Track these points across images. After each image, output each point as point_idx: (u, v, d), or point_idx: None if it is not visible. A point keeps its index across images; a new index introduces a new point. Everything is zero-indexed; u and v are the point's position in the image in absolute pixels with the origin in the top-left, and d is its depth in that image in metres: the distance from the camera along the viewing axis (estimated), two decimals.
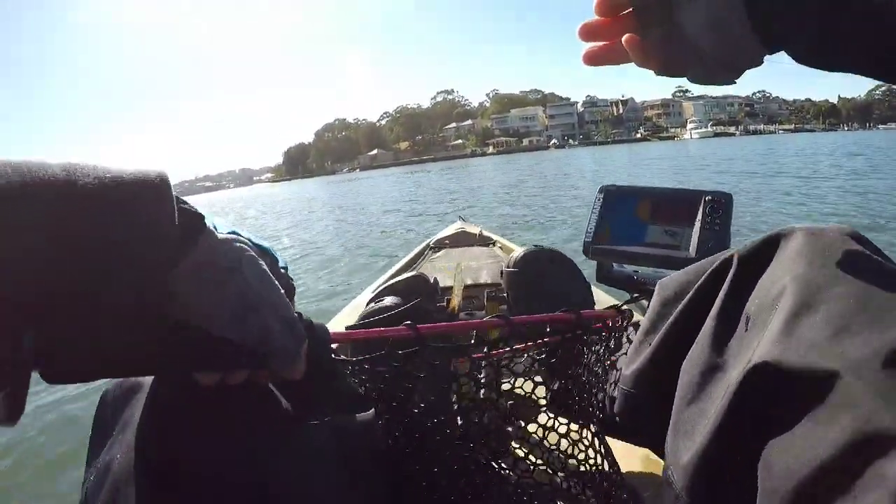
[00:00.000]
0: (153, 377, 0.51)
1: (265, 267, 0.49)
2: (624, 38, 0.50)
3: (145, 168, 0.41)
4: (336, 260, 7.95)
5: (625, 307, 0.83)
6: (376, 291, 1.17)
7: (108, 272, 0.37)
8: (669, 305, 0.63)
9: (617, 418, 0.70)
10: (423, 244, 3.22)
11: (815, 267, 0.46)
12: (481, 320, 0.70)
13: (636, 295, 1.66)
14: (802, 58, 0.44)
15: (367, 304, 1.13)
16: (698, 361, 0.51)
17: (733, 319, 0.51)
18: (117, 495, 0.45)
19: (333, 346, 0.60)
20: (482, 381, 0.73)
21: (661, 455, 0.55)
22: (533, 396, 0.74)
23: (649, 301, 1.65)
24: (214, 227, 0.47)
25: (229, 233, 0.49)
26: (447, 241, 3.21)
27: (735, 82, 0.51)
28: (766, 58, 0.47)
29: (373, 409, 0.68)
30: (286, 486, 0.50)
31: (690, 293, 0.58)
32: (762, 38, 0.44)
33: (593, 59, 0.54)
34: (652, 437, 0.60)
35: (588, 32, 0.53)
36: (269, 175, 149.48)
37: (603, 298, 1.78)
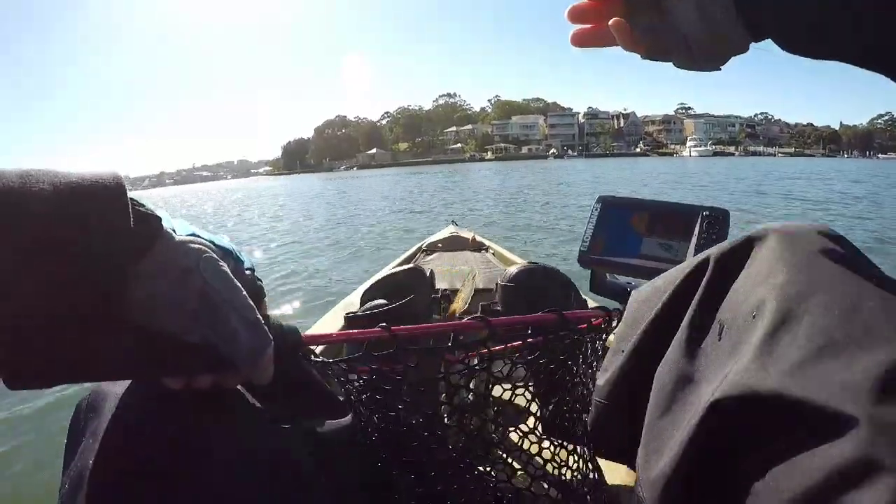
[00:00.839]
0: (126, 382, 0.50)
1: (226, 268, 0.49)
2: (611, 22, 0.51)
3: (100, 171, 0.42)
4: (329, 258, 7.94)
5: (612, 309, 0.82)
6: (371, 284, 1.16)
7: (64, 276, 0.38)
8: (643, 313, 0.61)
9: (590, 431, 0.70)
10: (416, 247, 3.22)
11: (792, 274, 0.45)
12: (459, 321, 0.68)
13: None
14: (787, 46, 0.45)
15: (362, 299, 1.12)
16: (671, 370, 0.51)
17: (706, 327, 0.50)
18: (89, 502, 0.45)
19: (317, 348, 0.59)
20: (464, 383, 0.72)
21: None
22: (516, 402, 0.73)
23: None
24: (173, 230, 0.47)
25: (189, 234, 0.49)
26: (440, 245, 3.20)
27: (720, 69, 0.51)
28: (753, 45, 0.48)
29: (350, 415, 0.68)
30: (249, 492, 0.49)
31: (664, 299, 0.58)
32: (748, 26, 0.45)
33: (580, 41, 0.55)
34: (623, 451, 0.60)
35: (576, 14, 0.54)
36: (267, 168, 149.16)
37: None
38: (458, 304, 0.78)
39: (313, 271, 6.90)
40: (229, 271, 0.48)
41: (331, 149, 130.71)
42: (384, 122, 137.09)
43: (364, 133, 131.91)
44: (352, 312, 1.02)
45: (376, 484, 0.69)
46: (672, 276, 0.59)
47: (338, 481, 0.59)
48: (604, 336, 0.78)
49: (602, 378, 0.65)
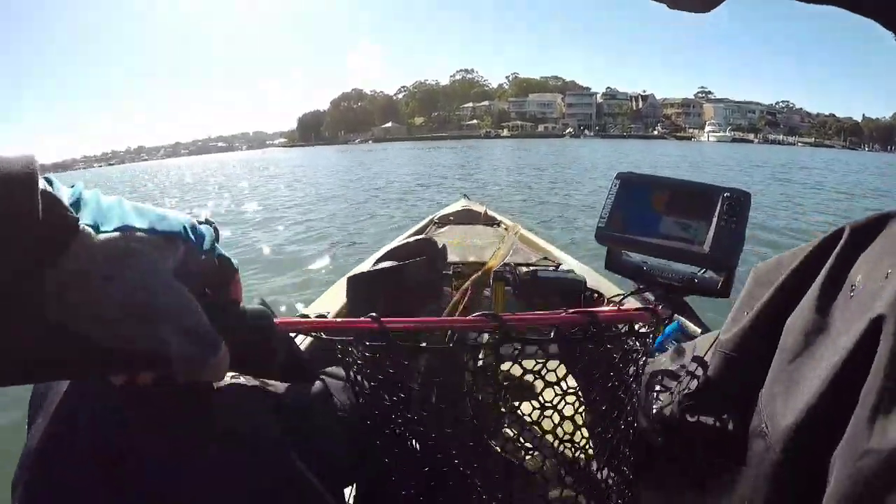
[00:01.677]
0: None
1: (163, 267, 0.43)
2: None
3: (11, 157, 0.37)
4: (340, 230, 7.94)
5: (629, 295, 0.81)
6: (383, 254, 1.14)
7: None
8: (763, 283, 0.66)
9: (710, 383, 0.71)
10: (427, 219, 3.19)
11: None
12: (463, 318, 0.63)
13: (642, 286, 1.65)
14: None
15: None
16: (803, 322, 0.55)
17: (839, 285, 0.54)
18: (34, 479, 0.44)
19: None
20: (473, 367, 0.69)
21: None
22: (529, 380, 0.70)
23: (655, 294, 1.63)
24: (98, 226, 0.40)
25: (121, 227, 0.42)
26: (451, 218, 3.18)
27: (708, 10, 0.53)
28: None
29: (321, 383, 0.66)
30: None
31: (794, 264, 0.62)
32: None
33: None
34: (741, 399, 0.63)
35: None
36: (282, 140, 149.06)
37: (606, 286, 1.75)
38: (496, 261, 0.74)
39: (318, 247, 6.90)
40: (168, 268, 0.44)
41: (346, 121, 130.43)
42: (400, 96, 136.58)
43: (380, 106, 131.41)
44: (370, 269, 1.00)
45: (359, 455, 0.67)
46: (802, 247, 0.63)
47: (309, 449, 0.58)
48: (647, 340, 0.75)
49: (727, 334, 0.69)
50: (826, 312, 0.53)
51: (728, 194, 1.41)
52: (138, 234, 0.42)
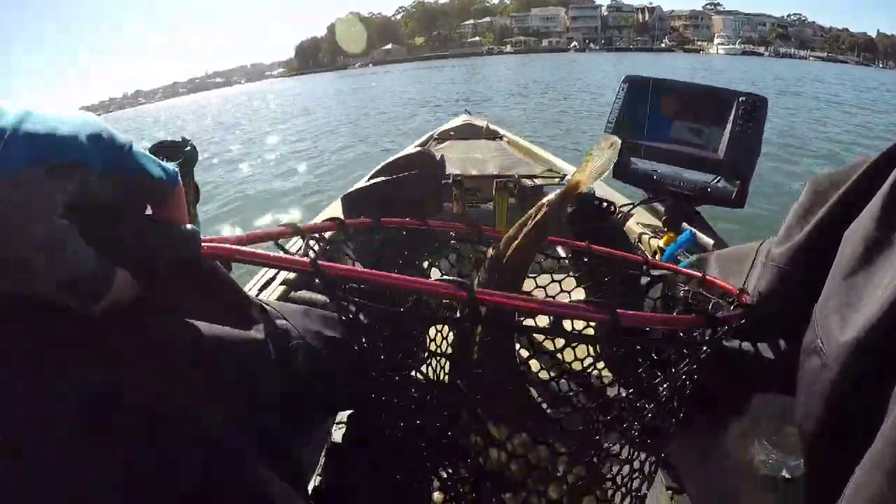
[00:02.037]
0: None
1: (35, 214, 0.36)
2: None
3: None
4: (340, 150, 7.85)
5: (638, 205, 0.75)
6: (377, 168, 1.09)
7: None
8: (822, 194, 0.63)
9: (760, 298, 0.68)
10: (427, 135, 3.11)
11: None
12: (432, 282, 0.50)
13: (652, 195, 1.59)
14: None
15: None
16: (864, 235, 0.52)
17: None
18: None
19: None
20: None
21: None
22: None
23: (665, 204, 1.56)
24: None
25: None
26: (452, 133, 3.11)
27: None
28: None
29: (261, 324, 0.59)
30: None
31: (854, 176, 0.59)
32: None
33: None
34: (795, 315, 0.59)
35: None
36: (281, 70, 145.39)
37: (614, 197, 1.68)
38: (584, 177, 0.65)
39: (315, 166, 6.83)
40: (48, 209, 0.36)
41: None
42: (398, 16, 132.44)
43: (378, 29, 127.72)
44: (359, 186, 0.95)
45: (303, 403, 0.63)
46: (864, 159, 0.60)
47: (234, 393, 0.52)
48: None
49: (781, 248, 0.67)
50: (889, 225, 0.50)
51: (744, 98, 1.35)
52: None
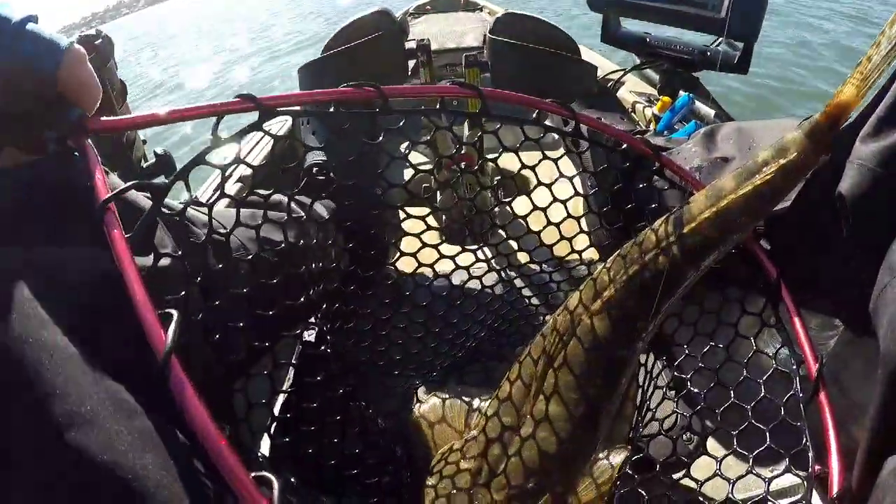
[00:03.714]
0: None
1: None
2: None
3: None
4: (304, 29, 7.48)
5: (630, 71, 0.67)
6: (331, 38, 0.97)
7: None
8: None
9: (845, 201, 0.55)
10: (402, 11, 2.91)
11: None
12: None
13: (645, 61, 1.46)
14: None
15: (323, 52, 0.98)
16: None
17: None
18: None
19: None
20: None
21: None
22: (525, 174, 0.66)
23: (659, 70, 1.44)
24: None
25: None
26: (429, 7, 2.92)
27: None
28: None
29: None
30: None
31: None
32: None
33: None
34: (879, 226, 0.51)
35: None
36: None
37: (603, 64, 1.55)
38: (853, 94, 0.53)
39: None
40: None
41: None
42: None
43: None
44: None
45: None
46: None
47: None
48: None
49: (870, 144, 0.54)
50: None
51: None
52: None
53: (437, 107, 0.54)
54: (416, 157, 0.62)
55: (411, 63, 1.36)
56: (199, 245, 0.51)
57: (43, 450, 0.30)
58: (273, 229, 0.60)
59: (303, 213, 0.64)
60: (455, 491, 0.59)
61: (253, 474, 0.31)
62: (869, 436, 0.44)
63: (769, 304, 0.57)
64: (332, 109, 0.51)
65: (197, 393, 0.33)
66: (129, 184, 0.41)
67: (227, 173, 0.49)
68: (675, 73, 1.39)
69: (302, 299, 0.60)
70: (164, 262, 0.44)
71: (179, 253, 0.46)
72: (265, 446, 0.54)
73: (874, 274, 0.50)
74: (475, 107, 0.57)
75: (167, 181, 0.44)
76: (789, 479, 0.56)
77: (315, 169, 0.71)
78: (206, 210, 0.52)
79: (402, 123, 0.56)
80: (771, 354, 0.57)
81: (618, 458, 0.59)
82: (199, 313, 0.48)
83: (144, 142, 1.43)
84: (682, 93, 1.32)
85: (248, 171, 1.05)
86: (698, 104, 1.27)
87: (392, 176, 0.65)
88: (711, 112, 1.25)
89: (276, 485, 0.32)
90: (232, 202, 0.53)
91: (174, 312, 0.35)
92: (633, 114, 1.44)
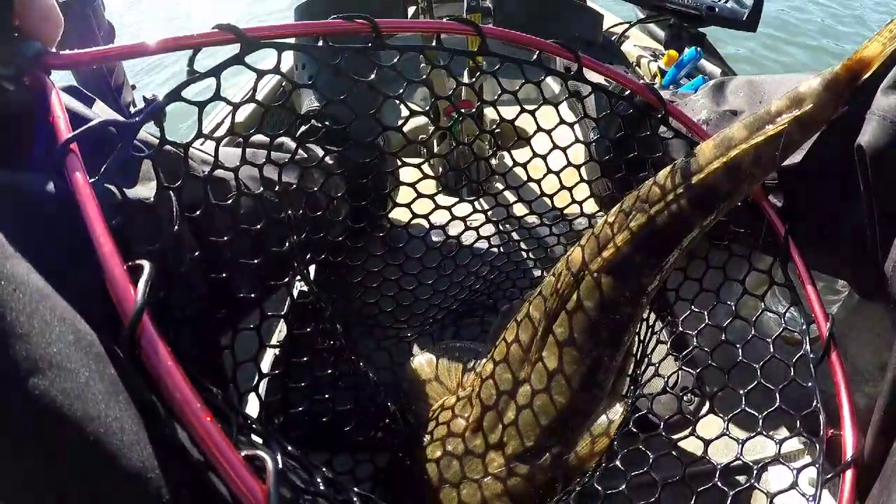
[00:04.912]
0: None
1: None
2: None
3: None
4: None
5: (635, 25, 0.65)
6: None
7: None
8: None
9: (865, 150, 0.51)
10: None
11: None
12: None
13: (650, 14, 1.42)
14: None
15: None
16: None
17: None
18: None
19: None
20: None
21: None
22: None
23: (665, 25, 1.39)
24: None
25: None
26: None
27: None
28: None
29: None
30: None
31: None
32: None
33: None
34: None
35: None
36: None
37: (609, 19, 1.50)
38: (877, 50, 0.48)
39: None
40: None
41: None
42: None
43: None
44: None
45: None
46: None
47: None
48: None
49: (892, 98, 0.49)
50: None
51: None
52: None
53: (434, 44, 0.51)
54: (415, 107, 0.59)
55: (411, 10, 1.33)
56: (198, 179, 0.48)
57: (2, 398, 0.26)
58: (276, 171, 0.58)
59: (306, 155, 0.62)
60: (452, 454, 0.58)
61: (244, 453, 0.28)
62: (886, 400, 0.43)
63: (777, 261, 0.55)
64: (321, 44, 0.48)
65: (176, 360, 0.29)
66: (91, 123, 0.37)
67: (221, 120, 0.46)
68: (681, 29, 1.34)
69: (300, 245, 0.58)
70: (145, 194, 0.41)
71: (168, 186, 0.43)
72: (253, 406, 0.52)
73: (891, 232, 0.47)
74: (475, 45, 0.54)
75: (138, 120, 0.41)
76: (800, 442, 0.55)
77: (313, 117, 0.69)
78: (208, 149, 0.50)
79: (396, 60, 0.52)
80: (780, 313, 0.55)
81: (616, 414, 0.57)
82: (192, 251, 0.46)
83: (134, 87, 1.40)
84: (688, 49, 1.28)
85: (241, 118, 1.02)
86: (704, 62, 1.23)
87: (388, 121, 0.62)
88: (718, 70, 1.22)
89: (269, 466, 0.28)
90: (235, 141, 0.51)
91: (146, 264, 0.31)
92: (637, 68, 1.40)
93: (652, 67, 1.35)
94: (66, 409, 0.26)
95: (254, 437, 0.41)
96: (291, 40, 0.49)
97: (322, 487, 0.39)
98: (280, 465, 0.28)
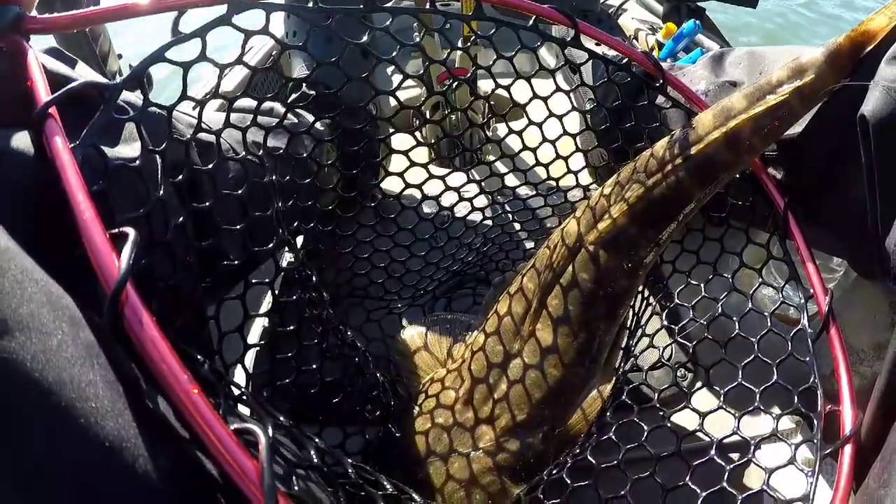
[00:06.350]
0: None
1: None
2: None
3: None
4: None
5: None
6: None
7: None
8: None
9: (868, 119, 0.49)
10: None
11: None
12: None
13: None
14: None
15: None
16: None
17: None
18: None
19: None
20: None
21: None
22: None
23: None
24: None
25: None
26: None
27: None
28: None
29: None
30: None
31: None
32: None
33: None
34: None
35: None
36: None
37: None
38: (884, 21, 0.46)
39: None
40: None
41: None
42: None
43: None
44: None
45: None
46: None
47: None
48: None
49: None
50: None
51: None
52: None
53: (427, 6, 0.50)
54: (408, 73, 0.58)
55: None
56: (182, 143, 0.46)
57: None
58: (261, 134, 0.56)
59: (296, 121, 0.61)
60: (443, 427, 0.57)
61: (234, 427, 0.26)
62: (886, 379, 0.42)
63: (775, 235, 0.55)
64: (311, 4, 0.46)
65: (161, 330, 0.27)
66: (70, 85, 0.35)
67: (211, 89, 0.45)
68: (680, 2, 1.32)
69: (287, 212, 0.56)
70: (129, 154, 0.40)
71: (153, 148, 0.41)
72: (240, 378, 0.51)
73: (893, 207, 0.46)
74: (469, 8, 0.52)
75: (121, 81, 0.39)
76: (793, 421, 0.54)
77: (303, 81, 0.67)
78: (196, 114, 0.48)
79: (389, 23, 0.51)
80: (777, 287, 0.54)
81: (606, 386, 0.57)
82: (178, 217, 0.44)
83: (120, 56, 1.36)
84: (687, 22, 1.26)
85: (231, 87, 1.00)
86: (702, 37, 1.21)
87: (382, 87, 0.61)
88: (716, 45, 1.19)
89: (262, 440, 0.26)
90: (223, 104, 0.49)
91: (130, 231, 0.30)
92: (634, 41, 1.37)
93: (650, 41, 1.32)
94: (34, 373, 0.24)
95: (242, 407, 0.40)
96: (281, 1, 0.48)
97: (315, 460, 0.38)
98: (272, 439, 0.27)
